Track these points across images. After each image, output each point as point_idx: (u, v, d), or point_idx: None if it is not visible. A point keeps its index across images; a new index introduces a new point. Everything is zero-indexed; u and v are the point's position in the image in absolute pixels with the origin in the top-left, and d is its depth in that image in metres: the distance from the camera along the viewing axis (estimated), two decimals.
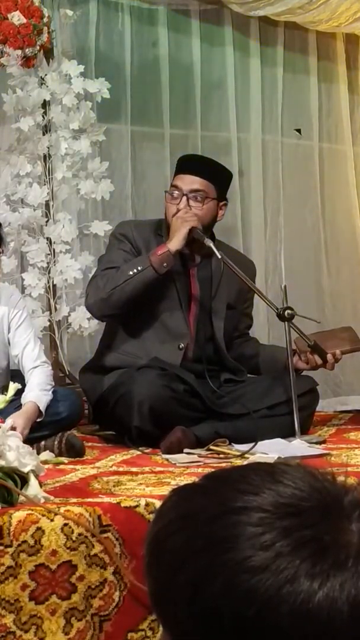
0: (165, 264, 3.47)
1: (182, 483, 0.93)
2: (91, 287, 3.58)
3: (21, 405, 3.14)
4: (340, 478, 0.80)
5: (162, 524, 0.80)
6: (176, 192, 3.60)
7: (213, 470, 0.87)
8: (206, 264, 3.69)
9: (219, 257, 3.48)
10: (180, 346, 3.59)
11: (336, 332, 3.83)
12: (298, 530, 0.74)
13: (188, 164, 3.71)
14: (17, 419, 2.98)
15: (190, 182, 3.60)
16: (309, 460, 2.92)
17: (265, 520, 0.75)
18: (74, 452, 3.07)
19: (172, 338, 3.60)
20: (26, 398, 3.13)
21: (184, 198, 3.58)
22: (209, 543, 0.75)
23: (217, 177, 3.69)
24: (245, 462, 2.77)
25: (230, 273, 3.61)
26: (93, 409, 3.62)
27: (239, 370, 3.72)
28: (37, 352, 3.34)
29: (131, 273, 3.46)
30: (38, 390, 3.18)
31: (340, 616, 0.72)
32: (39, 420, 3.12)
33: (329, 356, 3.55)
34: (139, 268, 3.46)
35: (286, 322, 3.43)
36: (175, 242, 3.49)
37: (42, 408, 3.14)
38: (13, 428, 2.66)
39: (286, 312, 3.40)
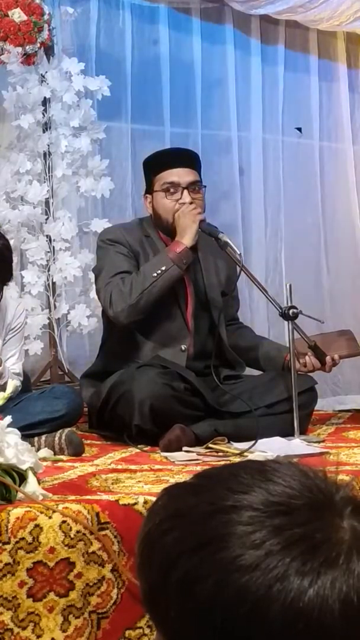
0: (185, 261, 3.49)
1: (180, 481, 0.93)
2: (114, 294, 3.50)
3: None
4: (333, 475, 0.80)
5: (154, 523, 0.80)
6: (172, 187, 3.60)
7: (205, 468, 0.87)
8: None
9: (237, 252, 3.52)
10: (183, 348, 3.60)
11: (335, 335, 3.84)
12: (288, 528, 0.74)
13: (174, 158, 3.71)
14: None
15: (185, 174, 3.61)
16: (308, 458, 2.92)
17: (256, 518, 0.75)
18: (73, 449, 3.07)
19: (173, 341, 3.60)
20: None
21: (185, 192, 3.58)
22: (200, 542, 0.75)
23: (199, 163, 3.73)
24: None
25: (217, 259, 3.69)
26: (96, 415, 3.63)
27: (238, 363, 3.72)
28: (18, 367, 3.46)
29: (155, 275, 3.45)
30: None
31: (331, 614, 0.72)
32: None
33: (328, 358, 3.56)
34: (163, 268, 3.45)
35: (289, 322, 3.42)
36: (190, 237, 3.50)
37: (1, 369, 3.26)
38: None
39: (291, 311, 3.39)
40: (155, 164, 3.70)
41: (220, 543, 0.75)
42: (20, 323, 3.47)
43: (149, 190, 3.68)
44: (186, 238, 3.50)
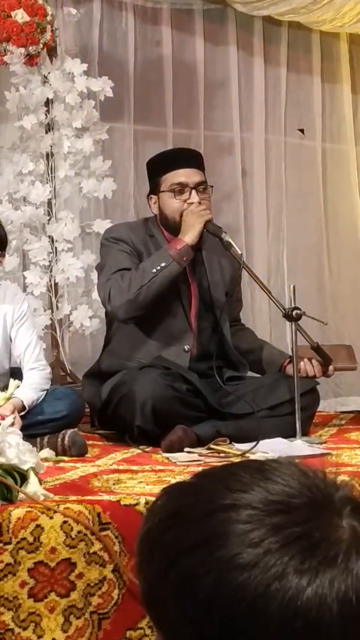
0: (185, 258, 3.49)
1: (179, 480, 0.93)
2: (112, 290, 3.49)
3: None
4: (332, 475, 0.80)
5: (153, 523, 0.80)
6: (180, 187, 3.60)
7: (204, 468, 0.87)
8: (197, 256, 3.69)
9: (239, 253, 3.53)
10: (186, 348, 3.59)
11: (335, 348, 3.87)
12: (287, 527, 0.74)
13: (181, 158, 3.71)
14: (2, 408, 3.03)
15: (193, 175, 3.61)
16: (310, 460, 2.92)
17: (255, 517, 0.75)
18: (77, 450, 3.07)
19: (176, 341, 3.60)
20: (15, 394, 3.17)
21: (193, 192, 3.58)
22: (199, 541, 0.75)
23: (203, 163, 3.74)
24: None
25: (221, 259, 3.70)
26: (97, 415, 3.62)
27: (242, 364, 3.72)
28: (37, 354, 3.38)
29: (154, 271, 3.45)
30: (27, 389, 3.22)
31: (330, 613, 0.72)
32: (21, 414, 3.15)
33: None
34: (162, 265, 3.45)
35: (293, 323, 3.42)
36: (192, 236, 3.50)
37: (27, 404, 3.18)
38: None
39: (294, 312, 3.39)
40: (161, 165, 3.69)
41: (218, 541, 0.74)
42: (24, 310, 3.43)
43: (154, 190, 3.67)
44: (188, 236, 3.50)
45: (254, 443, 3.16)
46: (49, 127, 4.33)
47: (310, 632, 0.71)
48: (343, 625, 0.72)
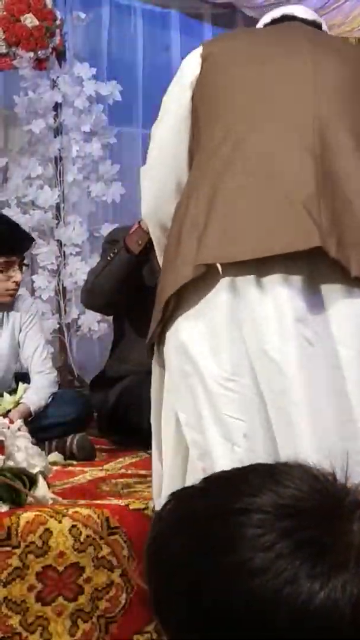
0: (139, 241, 3.27)
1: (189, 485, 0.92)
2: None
3: None
4: (342, 479, 0.80)
5: (162, 527, 0.80)
6: None
7: (213, 472, 0.86)
8: None
9: None
10: None
11: None
12: (298, 531, 0.74)
13: None
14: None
15: None
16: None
17: (265, 521, 0.74)
18: (85, 454, 3.07)
19: None
20: (22, 399, 3.16)
21: None
22: (209, 545, 0.75)
23: None
24: None
25: None
26: (105, 421, 3.62)
27: None
28: (44, 357, 3.38)
29: (109, 258, 3.44)
30: (34, 394, 3.21)
31: (342, 618, 0.71)
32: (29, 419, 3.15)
33: None
34: (115, 251, 3.42)
35: None
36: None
37: (33, 410, 3.17)
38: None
39: None
40: None
41: (229, 546, 0.74)
42: (32, 315, 3.43)
43: None
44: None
45: None
46: (58, 131, 4.34)
47: (321, 637, 0.71)
48: (355, 630, 0.71)
